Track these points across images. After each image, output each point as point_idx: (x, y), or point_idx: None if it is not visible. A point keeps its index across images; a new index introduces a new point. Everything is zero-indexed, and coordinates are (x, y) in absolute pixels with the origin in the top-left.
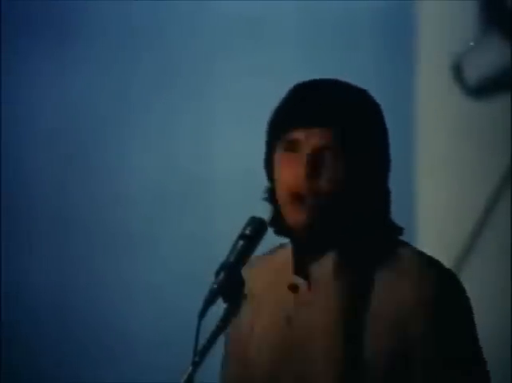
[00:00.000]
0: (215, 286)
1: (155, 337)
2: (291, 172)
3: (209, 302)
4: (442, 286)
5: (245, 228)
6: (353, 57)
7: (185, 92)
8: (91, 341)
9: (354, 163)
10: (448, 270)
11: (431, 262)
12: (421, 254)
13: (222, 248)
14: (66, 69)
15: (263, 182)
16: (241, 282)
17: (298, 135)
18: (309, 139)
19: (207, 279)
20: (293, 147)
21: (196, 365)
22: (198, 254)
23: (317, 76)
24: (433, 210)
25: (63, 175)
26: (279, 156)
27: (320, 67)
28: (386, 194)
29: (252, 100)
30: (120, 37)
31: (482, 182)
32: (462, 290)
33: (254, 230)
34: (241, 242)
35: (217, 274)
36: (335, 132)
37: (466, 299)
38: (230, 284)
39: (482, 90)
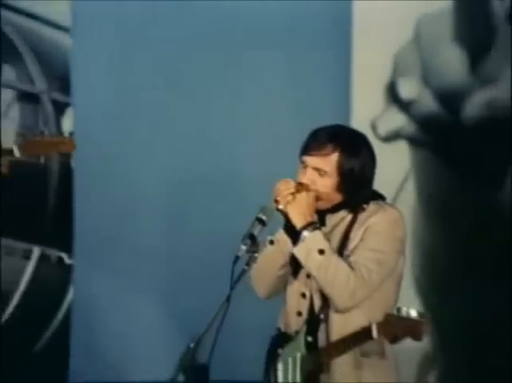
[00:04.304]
0: (245, 247)
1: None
2: (300, 179)
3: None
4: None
5: (259, 213)
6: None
7: (200, 96)
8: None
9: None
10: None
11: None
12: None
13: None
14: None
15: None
16: (257, 249)
17: (305, 158)
18: (309, 161)
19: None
20: (304, 165)
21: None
22: (220, 254)
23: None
24: None
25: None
26: (299, 170)
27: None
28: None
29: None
30: (118, 36)
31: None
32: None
33: (265, 214)
34: (256, 222)
35: (243, 240)
36: (325, 160)
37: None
38: (252, 248)
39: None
